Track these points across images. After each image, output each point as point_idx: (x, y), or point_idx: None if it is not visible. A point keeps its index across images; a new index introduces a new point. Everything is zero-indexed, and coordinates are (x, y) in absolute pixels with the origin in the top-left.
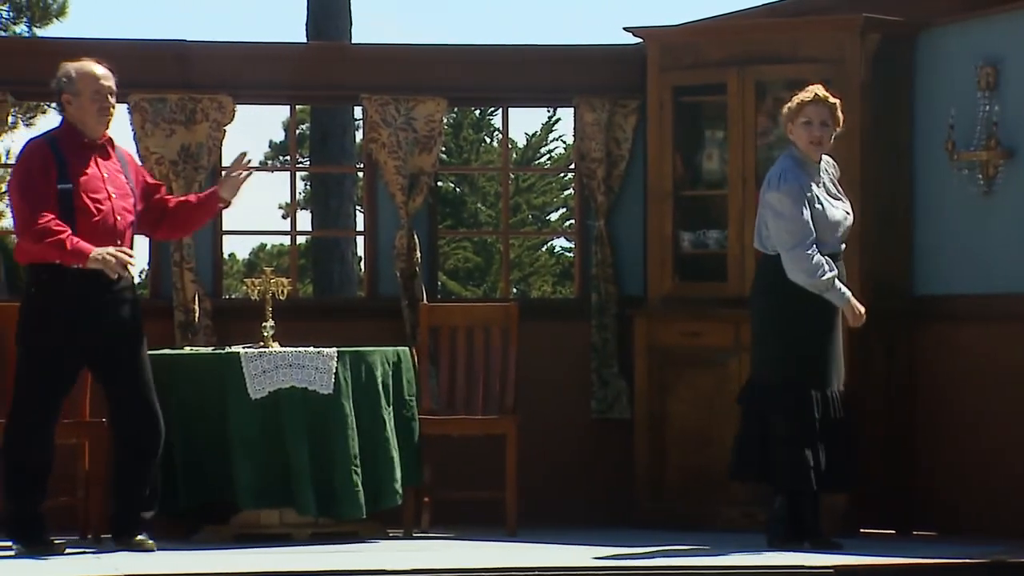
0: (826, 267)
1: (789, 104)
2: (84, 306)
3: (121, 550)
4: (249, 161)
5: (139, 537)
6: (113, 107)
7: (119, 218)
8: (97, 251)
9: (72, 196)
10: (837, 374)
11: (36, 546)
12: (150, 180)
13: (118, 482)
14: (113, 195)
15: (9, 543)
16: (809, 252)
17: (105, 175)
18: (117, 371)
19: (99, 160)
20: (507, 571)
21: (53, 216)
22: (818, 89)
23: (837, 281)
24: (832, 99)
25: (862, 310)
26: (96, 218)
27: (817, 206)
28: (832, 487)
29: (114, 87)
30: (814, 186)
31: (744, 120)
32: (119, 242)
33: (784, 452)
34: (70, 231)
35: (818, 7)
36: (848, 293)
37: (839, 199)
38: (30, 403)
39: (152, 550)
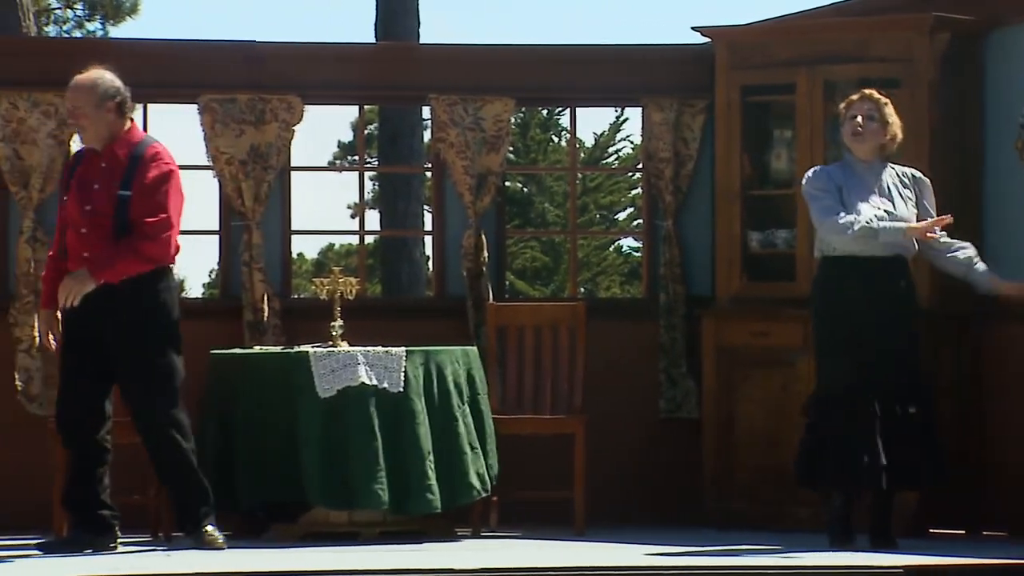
0: (856, 218)
1: (840, 107)
2: (78, 311)
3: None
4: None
5: (207, 528)
6: (75, 123)
7: (84, 230)
8: (41, 317)
9: (62, 209)
10: (890, 370)
11: (88, 535)
12: (137, 208)
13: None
14: (86, 208)
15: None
16: (836, 217)
17: (96, 186)
18: (120, 371)
19: (102, 167)
20: (574, 571)
21: (54, 251)
22: (867, 89)
23: (878, 223)
24: (878, 95)
25: (928, 224)
26: (70, 229)
27: (848, 195)
28: (899, 485)
29: (71, 105)
30: (849, 179)
31: (812, 119)
32: (86, 254)
33: (840, 453)
34: (49, 274)
35: (885, 6)
36: (899, 224)
37: (890, 201)
38: (59, 400)
39: (220, 545)
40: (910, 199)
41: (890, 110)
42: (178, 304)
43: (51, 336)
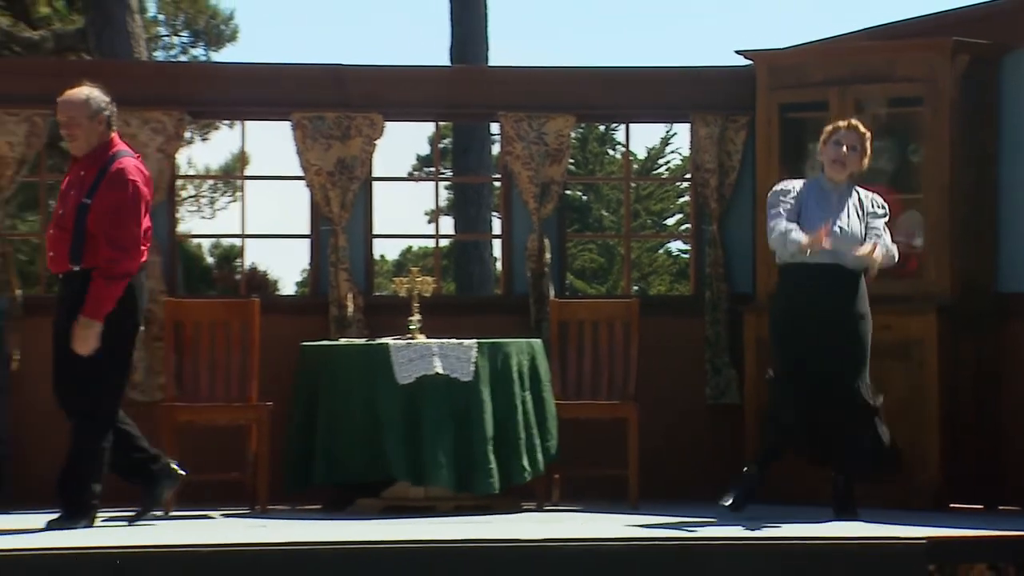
0: (776, 226)
1: (826, 128)
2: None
3: None
4: None
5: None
6: (68, 132)
7: (51, 231)
8: None
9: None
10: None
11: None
12: (98, 221)
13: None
14: (60, 212)
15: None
16: (771, 225)
17: (72, 192)
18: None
19: (80, 175)
20: (631, 541)
21: None
22: (854, 120)
23: (789, 235)
24: (863, 129)
25: (815, 236)
26: (50, 230)
27: (804, 207)
28: (824, 463)
29: (65, 116)
30: (813, 197)
31: None
32: (51, 253)
33: (776, 428)
34: None
35: (910, 31)
36: (799, 238)
37: (847, 219)
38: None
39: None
40: (862, 218)
41: (869, 143)
42: (137, 307)
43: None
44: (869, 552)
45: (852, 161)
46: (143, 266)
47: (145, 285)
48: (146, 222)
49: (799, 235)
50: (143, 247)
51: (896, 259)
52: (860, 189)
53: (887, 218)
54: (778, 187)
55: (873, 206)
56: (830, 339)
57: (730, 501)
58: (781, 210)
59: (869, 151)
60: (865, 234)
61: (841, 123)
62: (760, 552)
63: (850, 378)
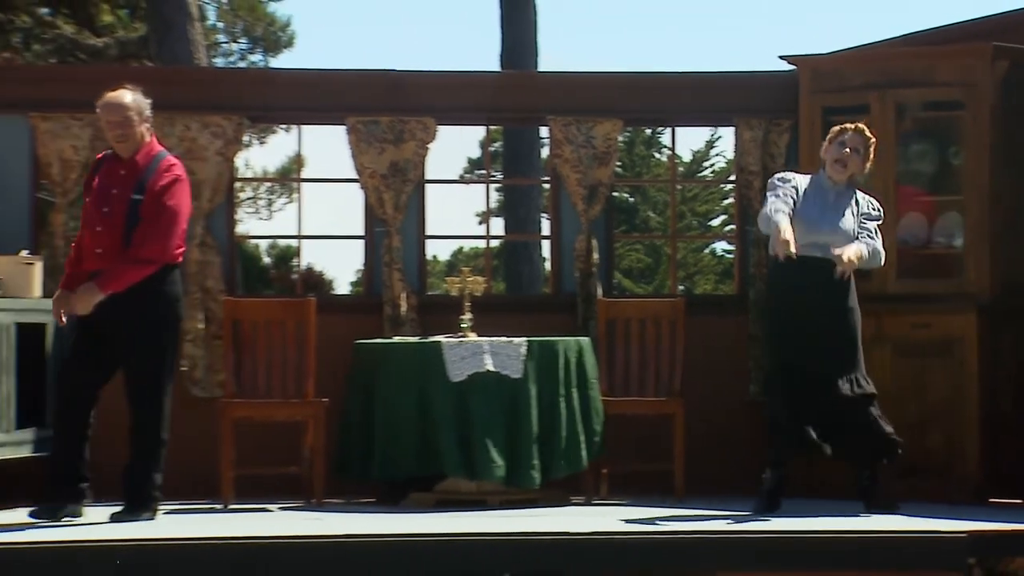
0: (766, 210)
1: (834, 128)
2: (78, 314)
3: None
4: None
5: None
6: (122, 132)
7: (99, 228)
8: (56, 296)
9: (84, 209)
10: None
11: (68, 503)
12: (145, 214)
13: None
14: (105, 208)
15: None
16: (765, 204)
17: (114, 191)
18: (123, 362)
19: (121, 174)
20: (676, 534)
21: (75, 245)
22: (861, 124)
23: (773, 218)
24: (868, 132)
25: (784, 238)
26: (89, 228)
27: (802, 200)
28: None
29: (120, 116)
30: (812, 191)
31: (884, 136)
32: (99, 250)
33: (777, 427)
34: (71, 260)
35: (950, 37)
36: (780, 222)
37: (841, 219)
38: (57, 394)
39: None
40: (856, 218)
41: (872, 147)
42: (179, 300)
43: (62, 314)
44: (911, 546)
45: (853, 163)
46: (178, 265)
47: (179, 281)
48: (184, 223)
49: (782, 220)
50: (181, 245)
51: (882, 260)
52: (859, 192)
53: (881, 221)
54: (781, 174)
55: (868, 208)
56: (822, 334)
57: (752, 511)
58: (779, 193)
59: (872, 156)
60: (857, 235)
61: (849, 125)
62: (803, 546)
63: (847, 370)
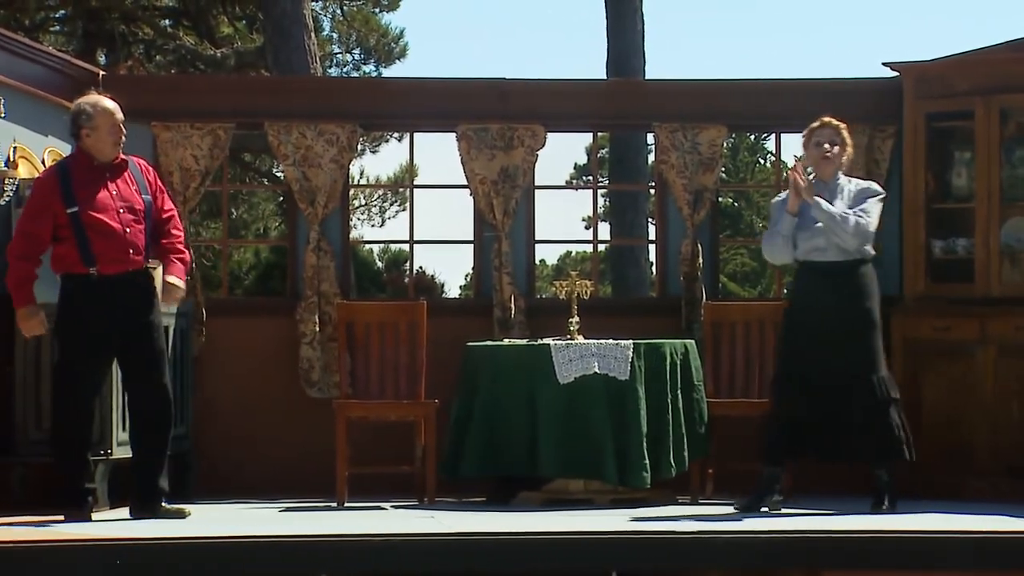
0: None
1: (804, 133)
2: (104, 303)
3: (145, 518)
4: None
5: (168, 505)
6: (122, 137)
7: (128, 230)
8: (21, 313)
9: (80, 216)
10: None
11: (82, 515)
12: (162, 205)
13: (135, 460)
14: (121, 210)
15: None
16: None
17: (114, 192)
18: (135, 357)
19: (109, 180)
20: (781, 533)
21: (24, 251)
22: (825, 117)
23: (778, 228)
24: (836, 121)
25: (799, 183)
26: (104, 233)
27: (803, 206)
28: (847, 459)
29: (122, 120)
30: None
31: (989, 142)
32: (131, 252)
33: (781, 429)
34: (21, 278)
35: None
36: (779, 229)
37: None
38: (67, 391)
39: (188, 515)
40: (847, 201)
41: (847, 133)
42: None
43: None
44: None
45: (835, 155)
46: None
47: None
48: None
49: (782, 226)
50: None
51: (853, 230)
52: (843, 178)
53: (878, 197)
54: (775, 199)
55: (856, 188)
56: (836, 337)
57: (742, 505)
58: (772, 224)
59: (849, 139)
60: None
61: (815, 124)
62: (892, 545)
63: (864, 373)
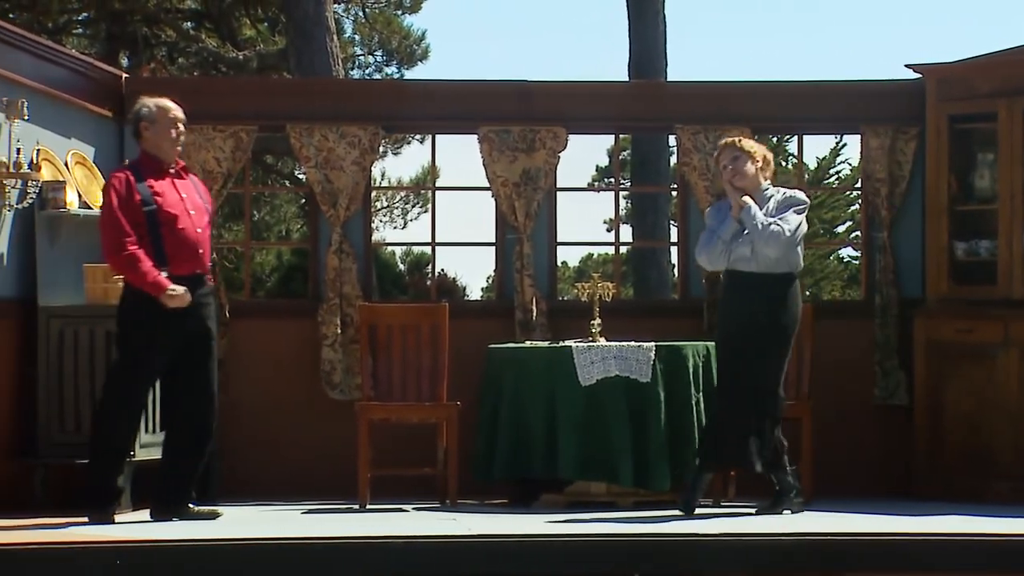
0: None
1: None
2: (168, 312)
3: (166, 520)
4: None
5: (198, 508)
6: (183, 135)
7: (199, 231)
8: (169, 290)
9: (156, 215)
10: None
11: (106, 516)
12: (210, 217)
13: (171, 463)
14: (191, 212)
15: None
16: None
17: (183, 195)
18: (191, 361)
19: (175, 182)
20: (802, 535)
21: (136, 246)
22: (725, 139)
23: (720, 233)
24: (732, 139)
25: (737, 200)
26: (178, 232)
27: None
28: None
29: (183, 118)
30: (722, 211)
31: (1012, 144)
32: (201, 251)
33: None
34: (151, 264)
35: None
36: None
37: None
38: (124, 393)
39: (220, 516)
40: (771, 212)
41: (747, 142)
42: None
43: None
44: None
45: (741, 170)
46: None
47: None
48: None
49: (724, 232)
50: None
51: (771, 235)
52: (777, 189)
53: (799, 207)
54: (709, 209)
55: (781, 197)
56: (744, 343)
57: (681, 507)
58: (710, 230)
59: (754, 147)
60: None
61: (716, 151)
62: (929, 548)
63: (760, 387)
